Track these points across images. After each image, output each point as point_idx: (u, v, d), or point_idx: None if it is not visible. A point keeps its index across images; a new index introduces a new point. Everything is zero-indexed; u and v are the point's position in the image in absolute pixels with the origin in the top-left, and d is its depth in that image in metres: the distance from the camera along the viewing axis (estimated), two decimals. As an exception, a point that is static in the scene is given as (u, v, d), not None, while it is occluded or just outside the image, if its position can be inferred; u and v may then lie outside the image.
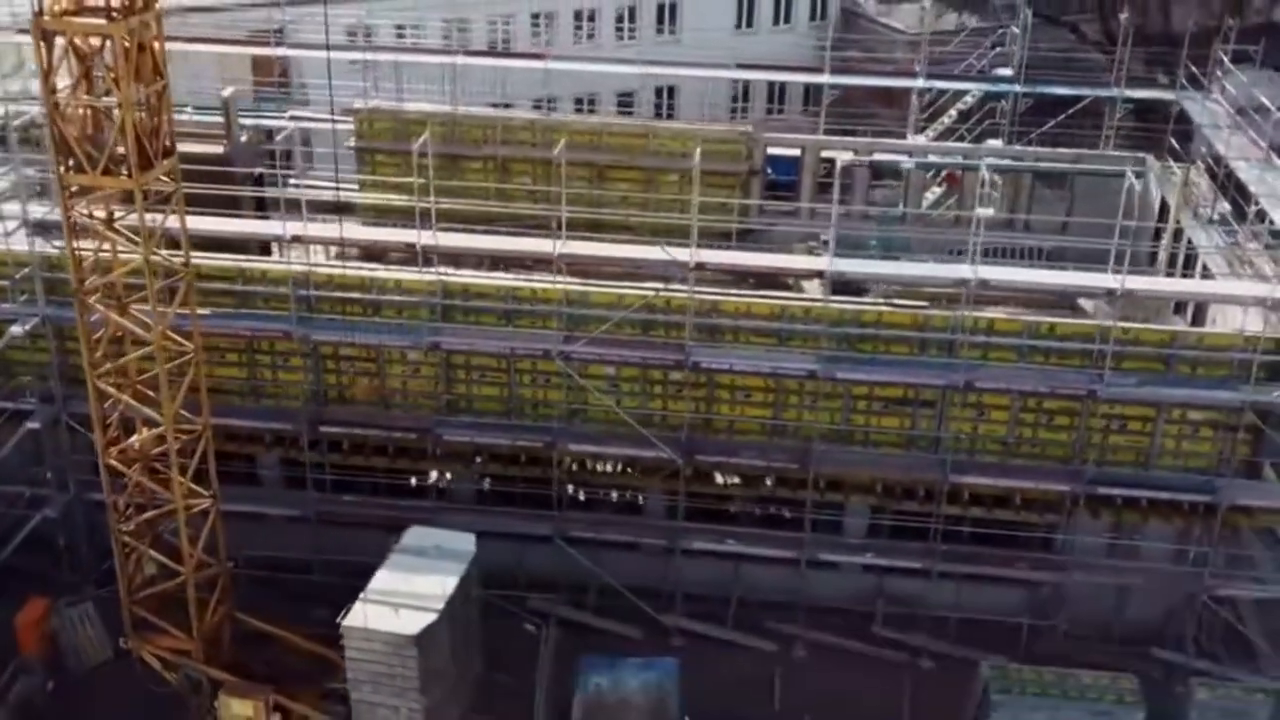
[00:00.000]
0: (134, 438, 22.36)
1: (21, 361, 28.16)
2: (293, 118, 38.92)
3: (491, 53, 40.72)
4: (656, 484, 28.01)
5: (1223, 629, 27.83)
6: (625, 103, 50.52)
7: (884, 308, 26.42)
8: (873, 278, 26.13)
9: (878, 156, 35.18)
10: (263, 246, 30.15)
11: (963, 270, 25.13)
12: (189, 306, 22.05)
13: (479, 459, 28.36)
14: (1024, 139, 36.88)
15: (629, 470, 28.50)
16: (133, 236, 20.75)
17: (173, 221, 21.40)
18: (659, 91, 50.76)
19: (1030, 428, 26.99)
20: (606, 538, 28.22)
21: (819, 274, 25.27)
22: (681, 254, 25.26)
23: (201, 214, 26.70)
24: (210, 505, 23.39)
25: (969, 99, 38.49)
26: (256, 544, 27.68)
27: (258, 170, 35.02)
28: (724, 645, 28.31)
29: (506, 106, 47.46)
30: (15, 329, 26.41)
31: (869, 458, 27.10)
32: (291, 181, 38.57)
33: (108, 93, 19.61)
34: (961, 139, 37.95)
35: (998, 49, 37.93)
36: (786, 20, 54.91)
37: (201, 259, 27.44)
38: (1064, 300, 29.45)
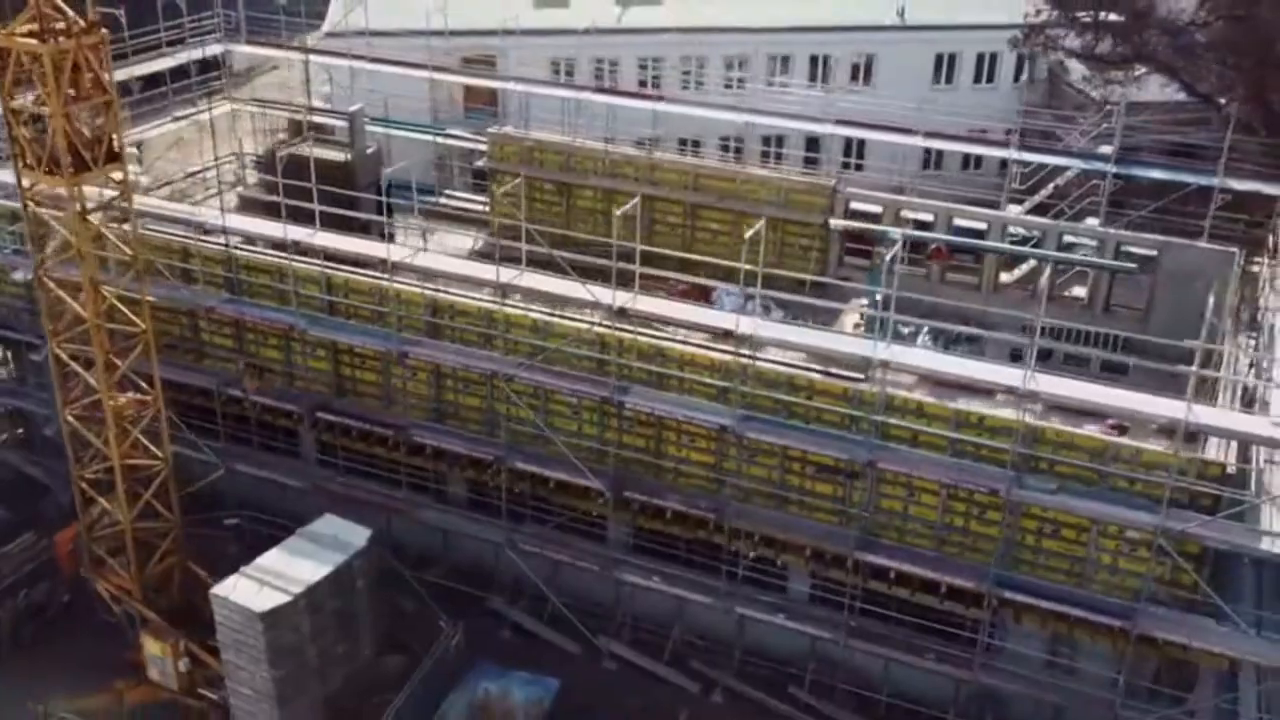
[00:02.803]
0: (87, 398, 23.90)
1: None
2: (449, 135, 40.39)
3: (609, 89, 40.14)
4: (601, 511, 27.11)
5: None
6: (812, 157, 48.34)
7: (815, 375, 24.36)
8: (781, 344, 24.06)
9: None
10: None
11: (867, 347, 22.78)
12: (141, 291, 23.42)
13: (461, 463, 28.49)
14: (1118, 221, 32.90)
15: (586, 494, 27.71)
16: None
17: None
18: (848, 146, 48.26)
19: (962, 517, 24.17)
20: (551, 554, 27.69)
21: (728, 332, 23.63)
22: (605, 295, 24.36)
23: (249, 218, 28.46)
24: (162, 468, 24.69)
25: (1070, 173, 34.57)
26: (278, 508, 29.36)
27: (384, 178, 36.70)
28: (651, 676, 27.15)
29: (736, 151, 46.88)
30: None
31: (779, 518, 25.18)
32: (446, 193, 40.61)
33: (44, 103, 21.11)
34: (1060, 215, 34.14)
35: (1102, 126, 33.83)
36: (990, 80, 51.19)
37: (249, 252, 29.22)
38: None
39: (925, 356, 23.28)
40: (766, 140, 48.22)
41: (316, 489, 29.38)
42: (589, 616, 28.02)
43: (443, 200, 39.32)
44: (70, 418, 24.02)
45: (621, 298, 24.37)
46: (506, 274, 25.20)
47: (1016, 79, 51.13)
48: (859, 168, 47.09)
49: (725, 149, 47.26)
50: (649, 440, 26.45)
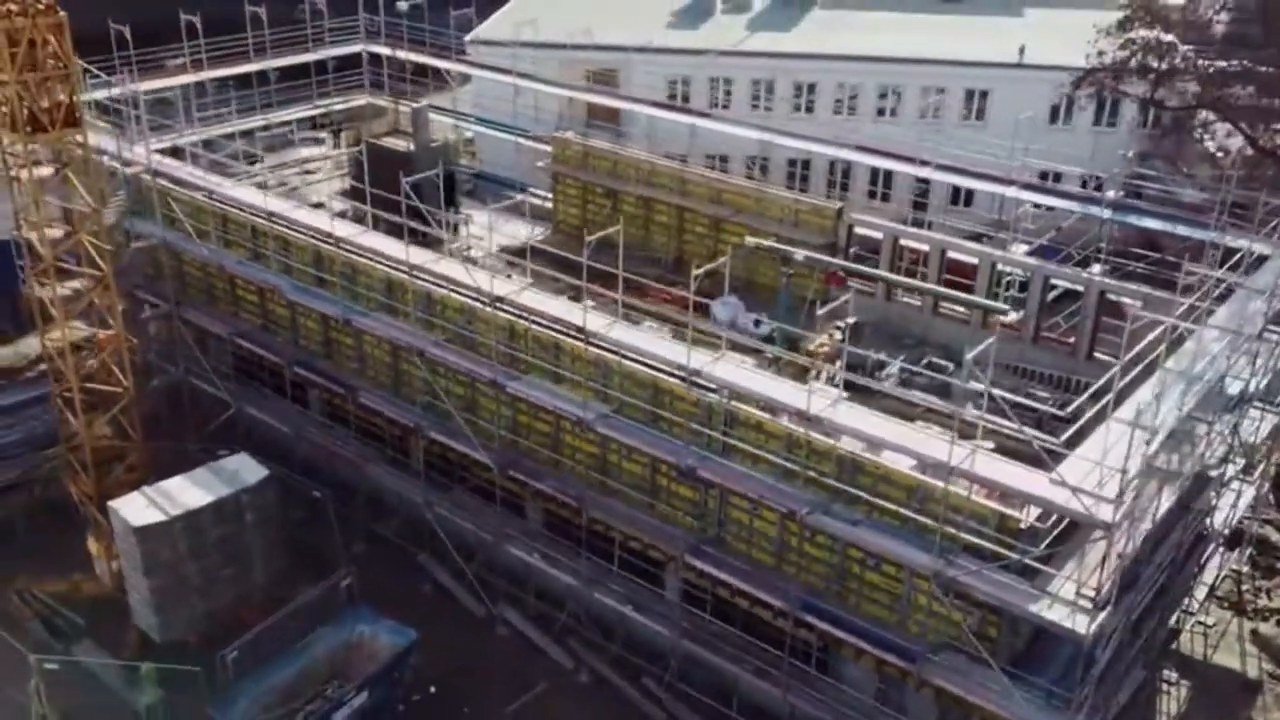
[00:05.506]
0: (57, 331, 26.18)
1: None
2: (528, 137, 41.25)
3: (656, 103, 39.65)
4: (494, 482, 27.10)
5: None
6: (920, 201, 45.57)
7: (675, 382, 23.50)
8: (624, 346, 23.24)
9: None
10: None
11: (695, 360, 21.79)
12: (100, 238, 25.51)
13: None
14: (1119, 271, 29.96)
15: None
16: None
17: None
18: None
19: (796, 537, 22.79)
20: (459, 520, 28.05)
21: (579, 329, 23.22)
22: (485, 282, 24.47)
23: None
24: (123, 394, 26.77)
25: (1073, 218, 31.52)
26: (277, 448, 31.10)
27: (449, 168, 37.79)
28: (535, 647, 27.07)
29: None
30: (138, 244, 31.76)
31: (626, 513, 24.52)
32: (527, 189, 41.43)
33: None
34: (1069, 258, 31.26)
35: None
36: (1111, 122, 47.06)
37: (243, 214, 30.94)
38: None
39: (730, 371, 22.02)
40: (874, 177, 46.20)
41: (300, 435, 30.97)
42: (507, 585, 28.18)
43: (520, 195, 40.38)
44: (47, 344, 26.46)
45: (502, 288, 24.45)
46: (418, 255, 25.81)
47: (1142, 125, 46.82)
48: (968, 202, 44.27)
49: (832, 180, 46.21)
50: (550, 427, 26.35)
